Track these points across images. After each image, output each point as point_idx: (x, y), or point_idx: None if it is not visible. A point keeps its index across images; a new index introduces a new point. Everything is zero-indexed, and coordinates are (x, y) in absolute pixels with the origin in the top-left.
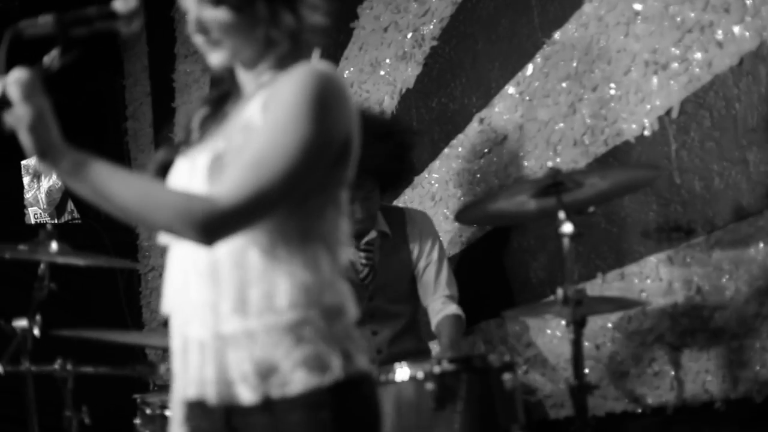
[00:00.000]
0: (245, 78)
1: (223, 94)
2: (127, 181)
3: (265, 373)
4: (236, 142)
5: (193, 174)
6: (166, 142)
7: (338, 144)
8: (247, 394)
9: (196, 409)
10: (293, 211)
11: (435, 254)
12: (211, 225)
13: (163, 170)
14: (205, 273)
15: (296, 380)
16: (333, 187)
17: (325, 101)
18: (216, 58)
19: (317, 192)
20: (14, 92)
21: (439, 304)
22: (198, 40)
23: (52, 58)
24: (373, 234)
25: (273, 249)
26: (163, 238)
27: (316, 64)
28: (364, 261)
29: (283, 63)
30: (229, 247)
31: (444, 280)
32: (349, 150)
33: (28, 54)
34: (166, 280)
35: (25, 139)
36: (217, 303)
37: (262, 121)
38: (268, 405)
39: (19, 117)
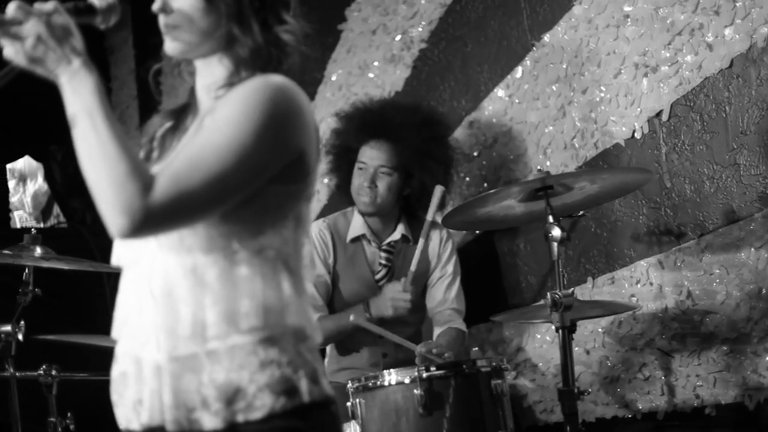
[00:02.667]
0: (202, 84)
1: (183, 106)
2: (113, 120)
3: (230, 397)
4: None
5: None
6: None
7: (287, 158)
8: (209, 420)
9: None
10: (251, 230)
11: (450, 268)
12: (136, 214)
13: None
14: (160, 296)
15: (262, 404)
16: (291, 205)
17: (274, 112)
18: (172, 46)
19: (274, 209)
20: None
21: (446, 315)
22: (161, 20)
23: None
24: (396, 236)
25: (232, 269)
26: (116, 260)
27: (274, 76)
28: (383, 261)
29: (243, 70)
30: (185, 269)
31: (454, 294)
32: (305, 166)
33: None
34: (117, 305)
35: (43, 32)
36: (174, 325)
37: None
38: (231, 429)
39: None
